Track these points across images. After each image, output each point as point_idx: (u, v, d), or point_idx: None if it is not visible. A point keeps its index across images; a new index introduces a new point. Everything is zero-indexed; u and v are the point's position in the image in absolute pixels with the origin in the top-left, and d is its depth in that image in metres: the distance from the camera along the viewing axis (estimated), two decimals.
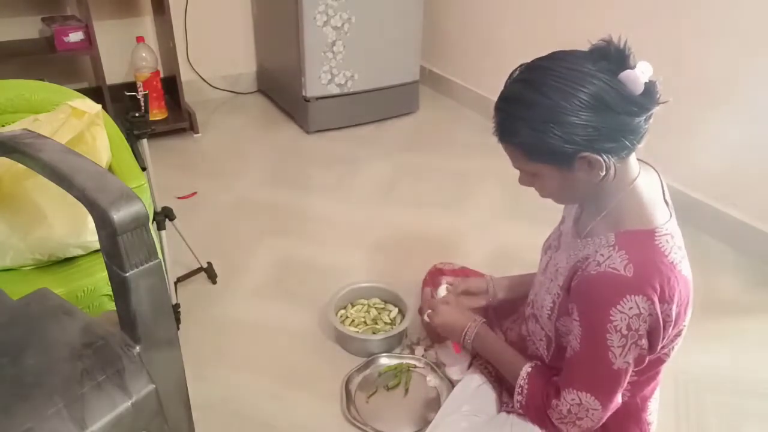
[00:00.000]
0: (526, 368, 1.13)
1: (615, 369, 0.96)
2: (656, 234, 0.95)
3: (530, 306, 1.26)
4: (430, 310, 1.35)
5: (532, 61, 0.94)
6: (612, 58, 0.89)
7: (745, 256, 1.98)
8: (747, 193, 1.97)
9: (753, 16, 1.81)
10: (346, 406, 1.39)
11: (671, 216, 1.00)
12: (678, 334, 1.02)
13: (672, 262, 0.94)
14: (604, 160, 0.91)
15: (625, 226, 0.97)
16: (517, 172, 1.02)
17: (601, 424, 1.03)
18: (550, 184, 0.98)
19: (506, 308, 1.49)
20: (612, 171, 0.93)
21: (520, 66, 0.95)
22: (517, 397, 1.13)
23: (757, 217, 1.96)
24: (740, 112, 1.92)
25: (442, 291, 1.42)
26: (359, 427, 1.34)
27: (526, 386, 1.11)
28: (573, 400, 1.01)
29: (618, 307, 0.92)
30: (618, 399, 1.01)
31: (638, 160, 1.01)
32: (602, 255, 0.96)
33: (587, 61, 0.89)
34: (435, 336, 1.52)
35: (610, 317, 0.92)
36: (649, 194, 1.00)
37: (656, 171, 1.06)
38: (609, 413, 1.02)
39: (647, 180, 1.01)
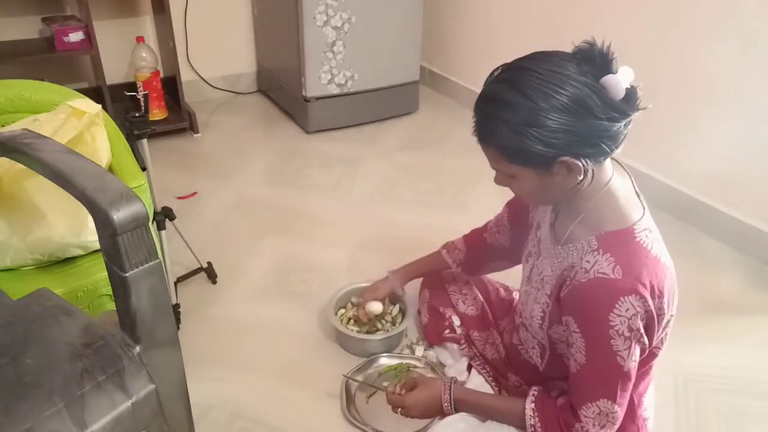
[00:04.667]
0: (529, 405, 1.10)
1: (625, 371, 0.96)
2: (635, 231, 0.96)
3: (518, 315, 1.25)
4: (400, 409, 1.27)
5: (514, 61, 0.93)
6: (595, 61, 0.88)
7: (745, 256, 1.98)
8: (747, 193, 1.97)
9: (753, 16, 1.81)
10: (346, 406, 1.39)
11: (645, 209, 1.00)
12: (666, 324, 1.02)
13: (656, 256, 0.95)
14: (583, 165, 0.91)
15: (604, 228, 0.97)
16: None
17: (620, 422, 1.02)
18: (527, 186, 0.97)
19: (503, 308, 1.49)
20: (590, 175, 0.93)
21: (501, 66, 0.94)
22: None
23: (757, 217, 1.96)
24: (740, 112, 1.92)
25: (377, 306, 1.52)
26: (359, 427, 1.34)
27: (538, 424, 1.08)
28: (594, 412, 0.99)
29: (615, 311, 0.91)
30: (629, 393, 1.01)
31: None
32: (588, 261, 0.95)
33: (570, 63, 0.88)
34: (433, 338, 1.52)
35: (610, 323, 0.92)
36: (624, 193, 1.00)
37: (621, 165, 1.05)
38: (625, 409, 1.01)
39: (619, 179, 1.01)
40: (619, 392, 0.98)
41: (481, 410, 1.20)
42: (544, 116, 0.87)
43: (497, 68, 0.94)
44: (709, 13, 1.92)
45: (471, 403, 1.21)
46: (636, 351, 0.95)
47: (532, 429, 1.09)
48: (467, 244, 1.46)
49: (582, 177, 0.93)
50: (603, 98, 0.87)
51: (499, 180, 1.01)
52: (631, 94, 0.89)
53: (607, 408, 0.99)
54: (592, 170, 0.93)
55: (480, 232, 1.45)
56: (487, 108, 0.93)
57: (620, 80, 0.87)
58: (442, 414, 1.23)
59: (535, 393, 1.12)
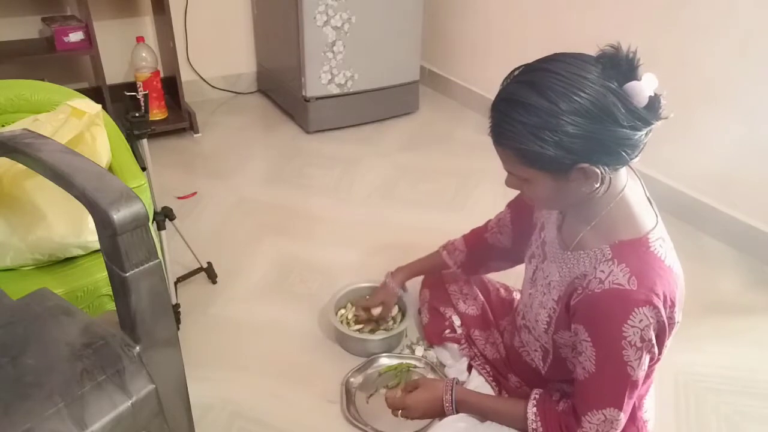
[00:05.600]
0: (531, 409, 1.09)
1: (634, 380, 0.96)
2: (650, 240, 0.95)
3: (521, 317, 1.24)
4: (400, 411, 1.26)
5: (535, 62, 0.90)
6: (620, 67, 0.86)
7: (745, 256, 1.98)
8: (747, 193, 1.97)
9: (753, 16, 1.81)
10: (346, 406, 1.39)
11: (657, 216, 0.99)
12: (671, 332, 1.02)
13: (669, 266, 0.94)
14: (601, 172, 0.89)
15: (618, 237, 0.96)
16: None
17: (622, 427, 1.02)
18: (541, 190, 0.95)
19: (503, 308, 1.49)
20: (607, 182, 0.92)
21: (521, 67, 0.91)
22: None
23: (757, 217, 1.96)
24: (740, 111, 1.92)
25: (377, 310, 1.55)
26: (359, 427, 1.34)
27: (540, 428, 1.07)
28: (599, 419, 0.99)
29: (629, 322, 0.91)
30: (634, 400, 1.01)
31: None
32: (603, 271, 0.94)
33: (594, 67, 0.86)
34: (434, 338, 1.52)
35: (623, 333, 0.91)
36: (637, 200, 0.99)
37: (633, 170, 1.04)
38: (628, 415, 1.01)
39: (632, 185, 1.00)
40: (626, 400, 0.98)
41: (483, 412, 1.20)
42: (565, 120, 0.84)
43: (516, 69, 0.91)
44: (709, 13, 1.92)
45: (472, 404, 1.21)
46: (646, 360, 0.95)
47: None
48: (468, 245, 1.45)
49: (599, 184, 0.91)
50: (626, 105, 0.85)
51: (511, 183, 0.99)
52: (654, 102, 0.86)
53: (613, 416, 0.98)
54: (609, 178, 0.92)
55: (481, 232, 1.44)
56: (505, 109, 0.89)
57: (644, 87, 0.85)
58: (443, 415, 1.23)
59: (537, 396, 1.11)
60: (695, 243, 2.04)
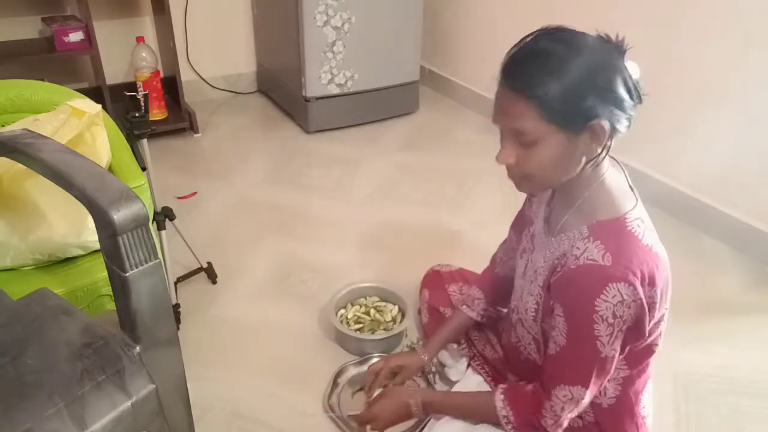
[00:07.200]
0: (499, 396, 1.09)
1: (602, 357, 0.97)
2: (627, 220, 0.96)
3: (515, 312, 1.25)
4: (369, 425, 1.22)
5: (556, 26, 0.95)
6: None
7: (745, 256, 1.98)
8: (747, 193, 1.97)
9: (754, 16, 1.81)
10: (328, 394, 1.39)
11: (637, 201, 1.01)
12: (660, 320, 1.02)
13: (647, 245, 0.95)
14: (608, 130, 0.90)
15: (597, 217, 0.98)
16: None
17: (585, 405, 1.03)
18: (548, 153, 0.92)
19: None
20: (609, 146, 0.94)
21: (540, 29, 0.95)
22: (507, 427, 1.09)
23: (757, 217, 1.96)
24: (740, 111, 1.92)
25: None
26: (330, 417, 1.34)
27: (510, 414, 1.08)
28: (565, 396, 1.00)
29: (602, 296, 0.91)
30: (602, 382, 1.02)
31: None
32: (578, 249, 0.96)
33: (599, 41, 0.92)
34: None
35: (595, 308, 0.92)
36: (618, 185, 1.00)
37: (617, 160, 1.05)
38: (592, 395, 1.02)
39: (614, 172, 1.02)
40: (593, 379, 0.99)
41: (450, 409, 1.19)
42: (595, 73, 0.88)
43: (535, 32, 0.95)
44: (710, 12, 1.92)
45: (440, 402, 1.20)
46: (617, 339, 0.95)
47: (505, 420, 1.08)
48: (483, 289, 1.40)
49: (601, 149, 0.93)
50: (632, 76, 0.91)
51: (508, 153, 0.95)
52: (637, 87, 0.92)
53: (579, 394, 0.99)
54: (609, 143, 0.93)
55: (490, 270, 1.41)
56: (534, 58, 0.91)
57: (632, 71, 0.91)
58: (411, 417, 1.21)
59: (502, 386, 1.12)
60: (695, 243, 2.04)
